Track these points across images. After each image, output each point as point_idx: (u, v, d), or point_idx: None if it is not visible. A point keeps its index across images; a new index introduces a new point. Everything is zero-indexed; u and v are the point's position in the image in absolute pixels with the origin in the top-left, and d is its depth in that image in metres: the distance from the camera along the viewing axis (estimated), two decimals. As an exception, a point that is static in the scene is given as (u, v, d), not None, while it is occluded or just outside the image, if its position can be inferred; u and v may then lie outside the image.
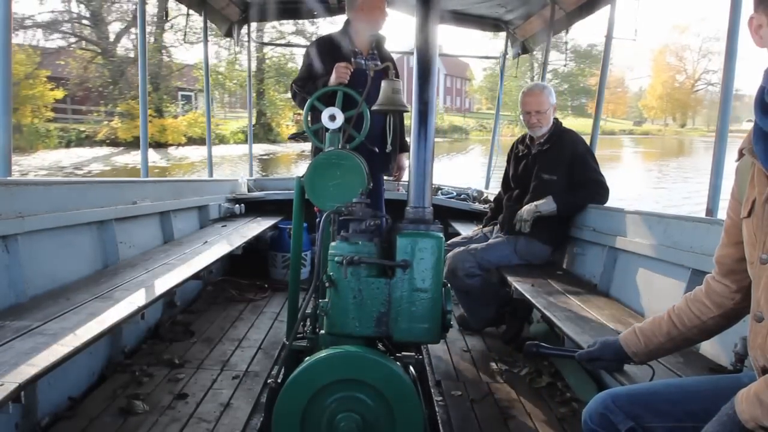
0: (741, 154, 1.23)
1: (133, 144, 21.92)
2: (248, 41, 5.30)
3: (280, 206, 4.66)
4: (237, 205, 4.58)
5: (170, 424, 2.14)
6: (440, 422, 2.25)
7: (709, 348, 1.86)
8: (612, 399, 1.31)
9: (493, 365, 2.89)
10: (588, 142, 3.54)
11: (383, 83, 2.22)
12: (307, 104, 2.57)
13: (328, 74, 3.07)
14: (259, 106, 27.59)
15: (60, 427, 2.07)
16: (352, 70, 3.04)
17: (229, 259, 3.71)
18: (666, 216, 2.47)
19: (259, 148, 24.32)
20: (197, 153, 21.90)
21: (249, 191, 4.99)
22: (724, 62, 2.50)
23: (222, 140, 25.74)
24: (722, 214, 1.61)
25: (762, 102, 1.10)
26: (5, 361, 1.53)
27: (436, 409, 2.37)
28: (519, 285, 2.76)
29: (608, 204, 3.09)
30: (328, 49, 3.23)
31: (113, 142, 23.87)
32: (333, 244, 1.86)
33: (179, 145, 25.12)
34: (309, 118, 2.58)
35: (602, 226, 2.93)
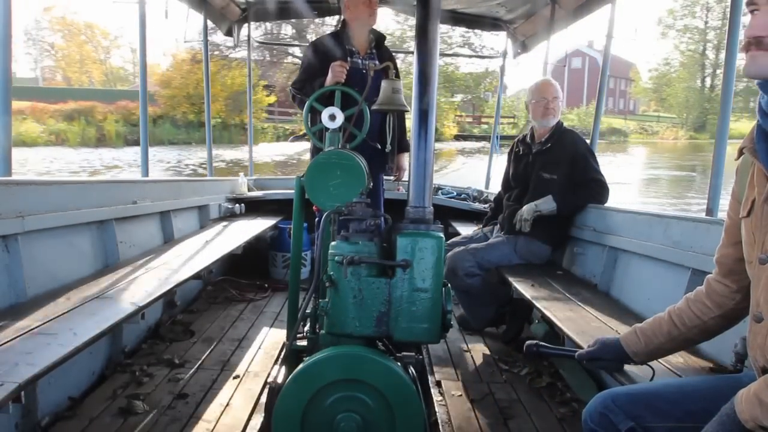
0: (741, 153, 1.23)
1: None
2: (248, 41, 5.30)
3: (280, 206, 4.66)
4: (237, 205, 4.58)
5: (170, 424, 2.14)
6: (440, 422, 2.25)
7: (709, 348, 1.86)
8: (612, 399, 1.31)
9: (493, 365, 2.89)
10: (588, 142, 3.54)
11: (383, 83, 2.22)
12: (306, 106, 2.58)
13: (324, 75, 3.07)
14: None
15: (60, 427, 2.06)
16: (348, 68, 3.04)
17: (229, 258, 3.71)
18: (666, 216, 2.47)
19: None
20: None
21: (249, 191, 4.99)
22: (725, 62, 2.50)
23: None
24: (722, 214, 1.60)
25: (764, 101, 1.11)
26: (5, 361, 1.53)
27: (436, 409, 2.37)
28: (519, 285, 2.76)
29: (608, 204, 3.09)
30: (324, 49, 3.23)
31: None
32: (333, 243, 1.86)
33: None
34: (309, 119, 2.58)
35: (602, 226, 2.93)
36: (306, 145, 3.25)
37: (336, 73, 3.00)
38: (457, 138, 33.23)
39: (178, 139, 27.47)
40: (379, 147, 2.88)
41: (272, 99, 30.15)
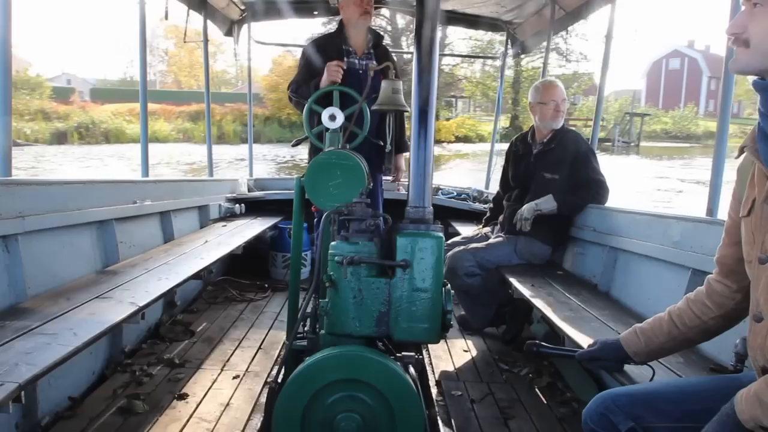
0: (742, 152, 1.23)
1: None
2: (248, 41, 5.30)
3: (280, 206, 4.66)
4: (237, 205, 4.58)
5: (170, 424, 2.14)
6: (440, 422, 2.25)
7: (709, 348, 1.86)
8: (612, 399, 1.31)
9: (493, 365, 2.89)
10: (588, 142, 3.54)
11: (383, 83, 2.22)
12: (305, 109, 2.58)
13: (320, 75, 3.06)
14: (514, 111, 33.28)
15: (60, 427, 2.07)
16: (344, 67, 3.03)
17: (230, 258, 3.71)
18: (666, 216, 2.47)
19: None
20: (467, 148, 29.64)
21: (249, 191, 4.99)
22: (725, 61, 2.50)
23: (481, 139, 33.04)
24: (722, 214, 1.60)
25: (765, 102, 1.11)
26: (5, 361, 1.53)
27: (436, 409, 2.37)
28: (519, 285, 2.75)
29: (608, 204, 3.09)
30: (320, 50, 3.23)
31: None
32: (333, 243, 1.86)
33: (449, 142, 31.25)
34: (309, 121, 2.58)
35: (602, 226, 2.93)
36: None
37: (331, 73, 3.00)
38: (297, 144, 34.04)
39: (284, 138, 30.21)
40: (381, 143, 2.88)
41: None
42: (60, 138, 27.07)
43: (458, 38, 30.77)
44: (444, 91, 29.85)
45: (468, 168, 19.65)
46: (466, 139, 33.14)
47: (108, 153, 23.01)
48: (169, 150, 23.18)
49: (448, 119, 33.63)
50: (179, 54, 48.16)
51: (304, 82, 3.19)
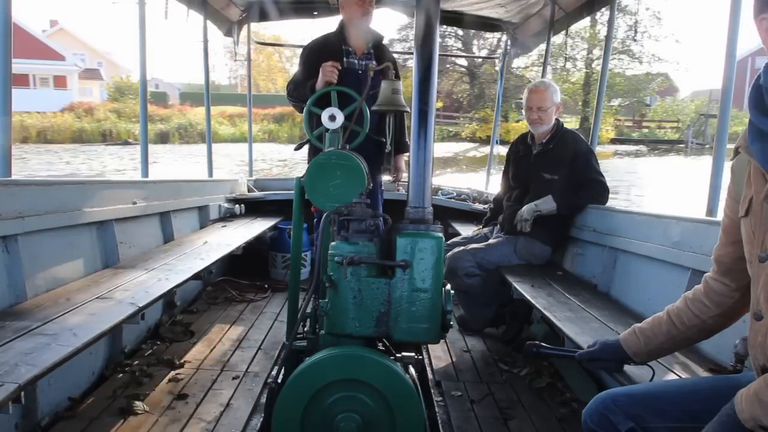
0: (737, 153, 1.23)
1: (485, 141, 29.65)
2: (248, 41, 5.30)
3: (280, 206, 4.66)
4: (237, 205, 4.58)
5: (170, 424, 2.14)
6: (440, 422, 2.25)
7: (709, 348, 1.86)
8: (612, 399, 1.31)
9: (493, 365, 2.89)
10: (588, 142, 3.54)
11: (383, 83, 2.22)
12: (304, 111, 2.58)
13: (317, 77, 3.06)
14: (584, 113, 33.67)
15: (60, 427, 2.07)
16: (339, 68, 3.02)
17: (229, 259, 3.71)
18: (666, 216, 2.47)
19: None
20: None
21: (249, 191, 4.98)
22: (725, 63, 2.50)
23: None
24: (722, 214, 1.60)
25: (759, 101, 1.10)
26: (5, 361, 1.53)
27: (436, 409, 2.37)
28: (519, 285, 2.75)
29: (608, 204, 3.09)
30: (319, 50, 3.23)
31: (472, 139, 32.73)
32: (333, 244, 1.86)
33: None
34: (306, 122, 2.58)
35: (602, 227, 2.93)
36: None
37: (326, 73, 2.99)
38: (613, 141, 34.24)
39: None
40: (383, 140, 2.88)
41: (440, 104, 31.91)
42: (163, 138, 30.76)
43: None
44: (514, 93, 29.96)
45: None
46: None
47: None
48: (260, 148, 24.77)
49: (517, 121, 34.07)
50: (257, 59, 49.24)
51: (302, 83, 3.18)
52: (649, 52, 32.66)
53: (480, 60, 35.35)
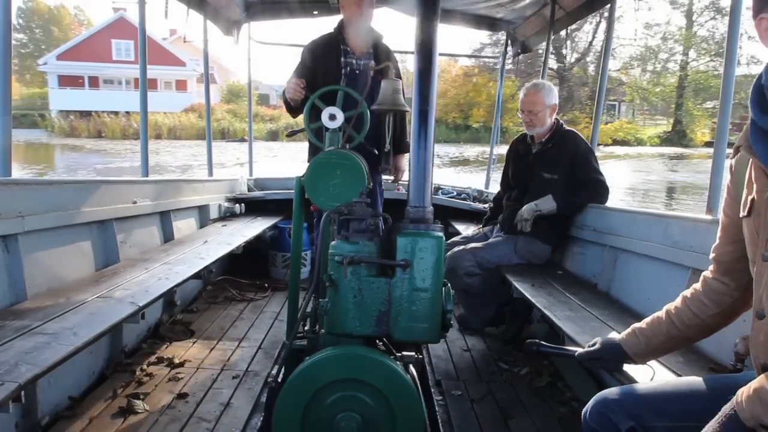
0: (737, 151, 1.22)
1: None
2: (248, 41, 5.30)
3: (280, 206, 4.66)
4: (237, 205, 4.58)
5: (170, 424, 2.14)
6: (440, 422, 2.25)
7: (708, 347, 1.86)
8: (612, 398, 1.31)
9: (493, 365, 2.89)
10: (588, 142, 3.54)
11: (383, 83, 2.22)
12: (307, 103, 2.58)
13: (316, 77, 3.06)
14: (676, 116, 34.61)
15: (60, 427, 2.07)
16: (303, 86, 2.99)
17: (229, 258, 3.71)
18: (666, 216, 2.47)
19: (670, 150, 33.97)
20: (620, 150, 32.31)
21: (249, 191, 4.98)
22: (725, 63, 2.50)
23: (640, 142, 36.08)
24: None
25: (761, 99, 1.10)
26: (5, 361, 1.53)
27: (437, 408, 2.37)
28: (519, 284, 2.75)
29: (608, 204, 3.09)
30: (318, 51, 3.22)
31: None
32: (333, 243, 1.86)
33: (605, 144, 33.31)
34: (307, 116, 2.59)
35: (602, 226, 2.93)
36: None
37: (289, 90, 3.02)
38: (707, 144, 35.14)
39: (451, 139, 35.40)
40: (376, 152, 2.89)
41: (515, 105, 34.64)
42: (272, 136, 33.91)
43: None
44: (607, 94, 30.54)
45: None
46: (623, 143, 35.79)
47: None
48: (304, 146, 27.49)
49: (606, 123, 34.85)
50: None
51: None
52: (748, 53, 32.12)
53: (570, 62, 36.04)
